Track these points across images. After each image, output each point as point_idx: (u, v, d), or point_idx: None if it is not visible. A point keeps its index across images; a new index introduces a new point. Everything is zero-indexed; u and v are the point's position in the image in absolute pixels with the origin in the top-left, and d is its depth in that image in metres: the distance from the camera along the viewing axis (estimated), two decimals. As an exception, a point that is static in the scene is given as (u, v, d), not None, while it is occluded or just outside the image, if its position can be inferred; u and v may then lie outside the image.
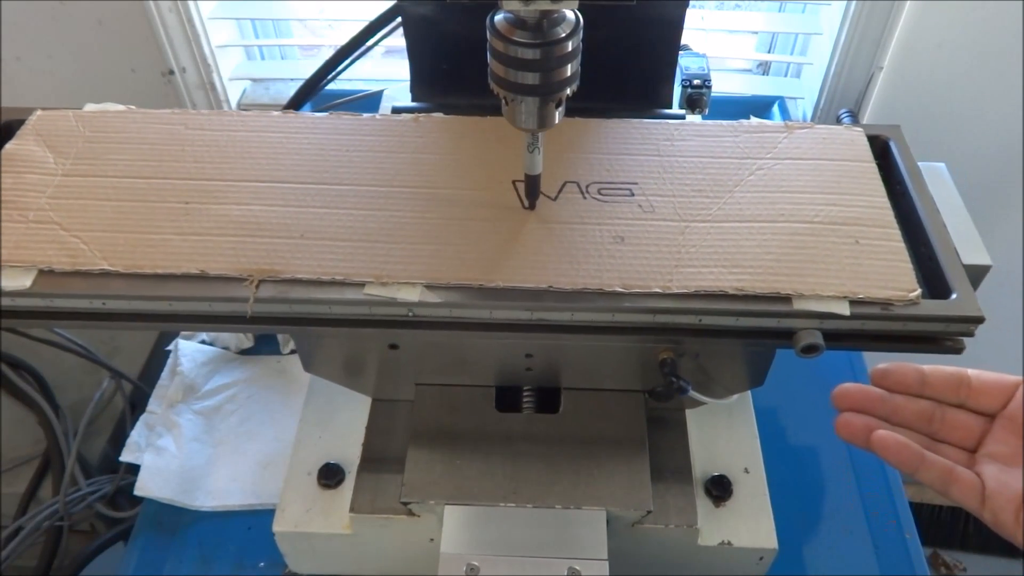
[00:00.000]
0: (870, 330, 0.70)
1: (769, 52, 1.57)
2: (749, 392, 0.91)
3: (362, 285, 0.70)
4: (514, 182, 0.79)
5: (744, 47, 1.60)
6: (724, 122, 0.85)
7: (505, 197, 0.78)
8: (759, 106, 1.48)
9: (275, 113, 0.87)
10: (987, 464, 0.57)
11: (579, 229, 0.74)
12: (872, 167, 0.81)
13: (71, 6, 1.31)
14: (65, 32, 1.34)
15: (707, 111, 1.05)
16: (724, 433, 0.89)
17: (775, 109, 1.47)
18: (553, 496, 0.79)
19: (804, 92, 1.48)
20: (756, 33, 1.56)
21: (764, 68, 1.59)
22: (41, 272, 0.71)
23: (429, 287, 0.70)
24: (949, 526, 1.88)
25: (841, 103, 1.39)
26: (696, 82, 1.05)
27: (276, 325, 0.72)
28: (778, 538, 0.81)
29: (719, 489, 0.83)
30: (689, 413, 0.89)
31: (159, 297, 0.70)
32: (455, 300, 0.69)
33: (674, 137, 0.84)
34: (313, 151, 0.82)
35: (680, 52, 0.92)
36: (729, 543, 0.81)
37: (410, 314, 0.70)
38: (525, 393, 0.88)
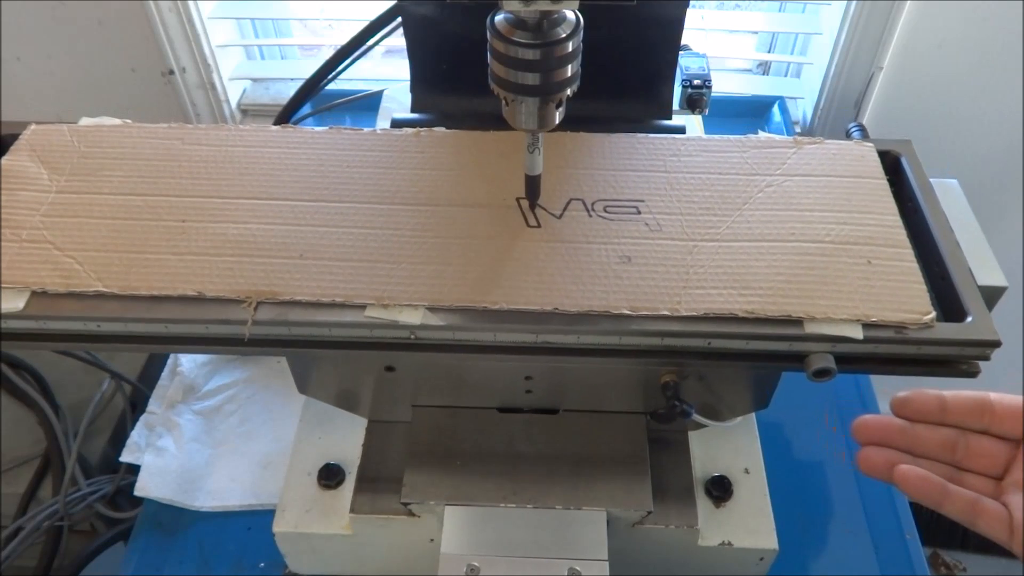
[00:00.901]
0: (883, 354, 0.68)
1: (769, 52, 1.56)
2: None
3: (363, 307, 0.68)
4: (518, 199, 0.77)
5: (744, 47, 1.59)
6: (731, 137, 0.83)
7: (509, 214, 0.76)
8: (759, 106, 1.48)
9: (273, 128, 0.85)
10: (1014, 493, 0.56)
11: (584, 248, 0.73)
12: (883, 184, 0.79)
13: (71, 6, 1.30)
14: (65, 32, 1.34)
15: (707, 111, 1.04)
16: (724, 433, 0.88)
17: (775, 109, 1.46)
18: (553, 497, 0.78)
19: (804, 92, 1.48)
20: (756, 33, 1.55)
21: (764, 68, 1.59)
22: (34, 293, 0.69)
23: (431, 309, 0.68)
24: (949, 526, 1.88)
25: (841, 103, 1.38)
26: (696, 82, 1.04)
27: (275, 348, 0.71)
28: (778, 538, 0.81)
29: (719, 489, 0.83)
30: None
31: (155, 319, 0.69)
32: (458, 323, 0.68)
33: (680, 153, 0.82)
34: (312, 167, 0.80)
35: (680, 52, 0.90)
36: (729, 543, 0.80)
37: (412, 337, 0.69)
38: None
